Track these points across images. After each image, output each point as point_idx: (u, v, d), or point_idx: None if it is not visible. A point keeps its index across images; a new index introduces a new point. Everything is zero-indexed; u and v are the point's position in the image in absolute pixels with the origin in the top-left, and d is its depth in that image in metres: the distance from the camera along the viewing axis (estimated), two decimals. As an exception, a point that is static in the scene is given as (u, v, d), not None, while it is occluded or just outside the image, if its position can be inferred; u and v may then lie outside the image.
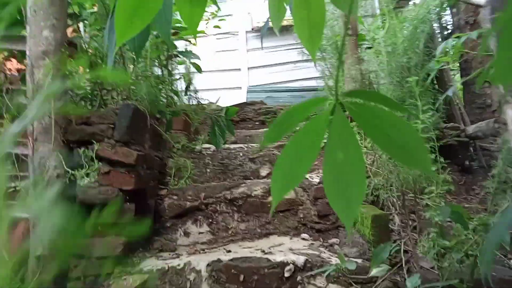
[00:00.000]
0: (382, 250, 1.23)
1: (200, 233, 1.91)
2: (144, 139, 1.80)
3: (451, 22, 3.33)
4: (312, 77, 5.62)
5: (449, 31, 3.34)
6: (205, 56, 5.77)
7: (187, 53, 2.26)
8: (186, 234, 1.90)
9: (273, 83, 5.92)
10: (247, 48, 6.10)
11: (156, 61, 2.49)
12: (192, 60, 2.42)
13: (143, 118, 1.76)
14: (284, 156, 0.56)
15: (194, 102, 2.98)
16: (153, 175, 1.92)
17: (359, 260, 1.53)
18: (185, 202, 1.93)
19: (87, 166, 1.42)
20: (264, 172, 2.45)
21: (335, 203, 0.56)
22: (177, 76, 2.92)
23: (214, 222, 1.95)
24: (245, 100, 5.18)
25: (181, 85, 3.04)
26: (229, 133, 2.29)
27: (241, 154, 2.49)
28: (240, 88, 5.84)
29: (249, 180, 2.36)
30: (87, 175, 1.40)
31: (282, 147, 2.68)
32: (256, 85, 5.72)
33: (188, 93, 2.99)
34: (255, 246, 1.79)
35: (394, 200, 1.64)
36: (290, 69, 5.99)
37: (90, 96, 2.12)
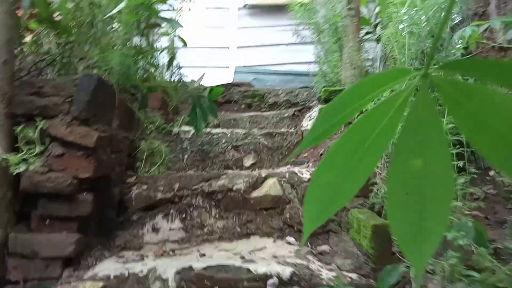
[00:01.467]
0: (390, 273, 1.02)
1: (171, 229, 1.67)
2: (110, 117, 1.52)
3: (458, 13, 3.11)
4: (304, 62, 5.35)
5: (456, 21, 3.13)
6: (192, 31, 5.42)
7: (169, 20, 1.97)
8: (155, 230, 1.65)
9: (262, 64, 5.63)
10: (237, 25, 5.77)
11: (135, 28, 2.18)
12: (175, 27, 2.12)
13: (110, 92, 1.47)
14: (329, 161, 0.35)
15: (177, 79, 2.69)
16: (120, 160, 1.65)
17: (354, 275, 1.32)
18: (155, 193, 1.67)
19: (23, 150, 1.14)
20: (248, 162, 2.21)
21: (402, 234, 0.34)
22: (160, 49, 2.62)
23: (188, 218, 1.71)
24: (231, 81, 4.90)
25: (164, 59, 2.74)
26: (212, 116, 2.03)
27: (223, 140, 2.24)
28: (228, 67, 5.53)
29: (230, 171, 2.11)
30: (24, 160, 1.12)
31: (270, 135, 2.45)
32: (244, 66, 5.43)
33: (171, 68, 2.69)
34: (233, 249, 1.56)
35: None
36: (281, 51, 5.70)
37: (56, 63, 1.82)
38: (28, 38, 2.00)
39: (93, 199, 1.34)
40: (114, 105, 1.51)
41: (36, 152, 1.13)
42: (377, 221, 1.39)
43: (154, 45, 2.57)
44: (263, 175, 1.83)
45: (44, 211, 1.27)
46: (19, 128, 1.14)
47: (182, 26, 2.03)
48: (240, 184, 1.77)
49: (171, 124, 2.23)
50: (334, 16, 2.88)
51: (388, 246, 1.38)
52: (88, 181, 1.33)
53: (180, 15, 2.72)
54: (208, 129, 2.29)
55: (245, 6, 5.72)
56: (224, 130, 2.30)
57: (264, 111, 3.36)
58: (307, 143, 0.36)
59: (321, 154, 2.24)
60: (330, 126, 0.35)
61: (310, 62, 5.29)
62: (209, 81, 3.55)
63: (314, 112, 2.60)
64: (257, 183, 1.80)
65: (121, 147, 1.66)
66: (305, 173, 1.89)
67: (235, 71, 5.28)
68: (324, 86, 2.82)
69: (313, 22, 3.38)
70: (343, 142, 0.34)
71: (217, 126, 2.78)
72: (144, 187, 1.70)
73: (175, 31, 2.62)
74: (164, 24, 2.51)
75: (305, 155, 2.31)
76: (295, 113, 2.98)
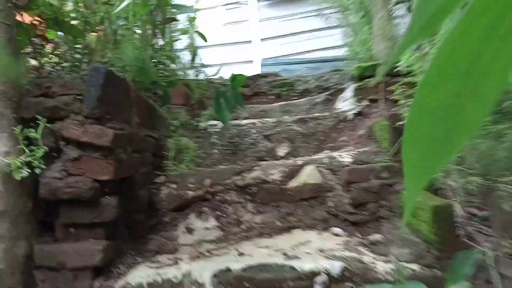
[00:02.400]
0: (462, 261, 0.83)
1: (206, 228, 1.55)
2: (128, 114, 1.42)
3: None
4: (331, 47, 5.14)
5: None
6: (213, 28, 5.33)
7: (182, 7, 1.84)
8: (189, 230, 1.54)
9: (288, 54, 5.47)
10: (259, 18, 5.63)
11: (148, 22, 2.08)
12: (187, 13, 2.01)
13: (123, 88, 1.37)
14: (441, 71, 0.19)
15: (201, 77, 2.59)
16: (144, 160, 1.55)
17: (416, 266, 1.14)
18: (186, 192, 1.56)
19: (28, 151, 1.04)
20: (281, 151, 2.05)
21: None
22: (181, 46, 2.52)
23: (223, 215, 1.58)
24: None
25: (186, 57, 2.65)
26: (237, 105, 1.89)
27: (254, 131, 2.10)
28: (252, 61, 5.41)
29: (264, 162, 1.96)
30: (28, 164, 1.03)
31: (303, 121, 2.28)
32: (270, 58, 5.28)
33: (194, 65, 2.60)
34: (274, 246, 1.41)
35: (458, 185, 1.23)
36: (306, 39, 5.51)
37: (77, 69, 1.76)
38: (49, 48, 1.96)
39: (118, 202, 1.24)
40: (130, 101, 1.41)
41: (40, 155, 1.03)
42: (437, 201, 1.19)
43: (174, 42, 2.47)
44: (300, 163, 1.68)
45: (67, 219, 1.18)
46: (20, 129, 1.05)
47: (196, 11, 1.91)
48: (275, 175, 1.62)
49: (197, 119, 2.12)
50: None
51: (452, 229, 1.18)
52: (110, 184, 1.23)
53: (197, 9, 2.62)
54: (237, 121, 2.16)
55: (264, -3, 5.57)
56: (254, 120, 2.16)
57: (294, 99, 3.20)
58: (414, 34, 0.21)
59: (360, 136, 2.04)
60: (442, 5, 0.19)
61: (337, 47, 5.06)
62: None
63: (348, 92, 2.40)
64: (293, 172, 1.65)
65: (144, 146, 1.56)
66: (345, 156, 1.71)
67: (261, 65, 5.16)
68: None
69: (337, 2, 3.17)
70: (459, 38, 0.18)
71: (246, 118, 2.66)
72: (174, 186, 1.59)
73: (193, 27, 2.52)
74: (181, 21, 2.43)
75: (344, 138, 2.12)
76: (328, 97, 2.79)
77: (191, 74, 2.58)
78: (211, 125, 2.10)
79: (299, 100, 2.95)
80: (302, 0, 5.38)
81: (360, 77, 2.28)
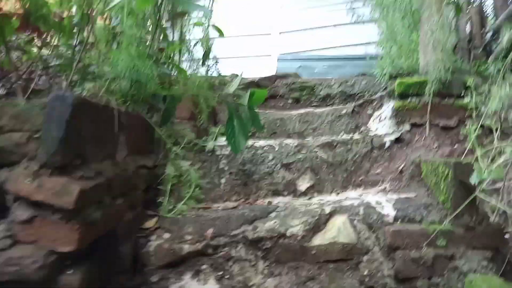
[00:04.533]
0: None
1: (204, 293, 1.22)
2: (111, 148, 1.08)
3: None
4: (357, 44, 4.71)
5: None
6: (229, 17, 4.94)
7: (190, 4, 1.47)
8: (183, 294, 1.21)
9: (308, 50, 5.07)
10: (279, 8, 5.23)
11: (154, 19, 1.72)
12: (200, 12, 1.65)
13: (105, 117, 1.03)
14: None
15: (213, 74, 2.23)
16: (131, 202, 1.22)
17: None
18: (181, 246, 1.22)
19: None
20: (303, 185, 1.69)
21: None
22: (192, 42, 2.17)
23: (227, 276, 1.24)
24: (275, 70, 4.43)
25: (198, 54, 2.30)
26: (255, 128, 1.54)
27: (270, 157, 1.74)
28: (270, 55, 5.02)
29: (281, 199, 1.62)
30: None
31: (329, 146, 1.91)
32: (288, 53, 4.89)
33: (206, 63, 2.24)
34: (291, 331, 1.08)
35: None
36: (329, 33, 5.09)
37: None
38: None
39: (83, 278, 0.91)
40: (114, 132, 1.06)
41: None
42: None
43: (186, 37, 2.11)
44: (327, 211, 1.32)
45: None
46: None
47: (211, 12, 1.55)
48: (296, 227, 1.28)
49: (204, 138, 1.77)
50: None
51: None
52: (74, 252, 0.90)
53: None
54: (250, 142, 1.81)
55: (286, -15, 5.15)
56: (271, 142, 1.80)
57: (315, 107, 2.83)
58: None
59: (400, 171, 1.67)
60: None
61: (364, 44, 4.62)
62: (250, 72, 3.06)
63: (384, 112, 2.02)
64: (319, 223, 1.30)
65: (133, 183, 1.23)
66: (385, 205, 1.35)
67: (278, 59, 4.80)
68: (395, 76, 2.22)
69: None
70: None
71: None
72: (167, 236, 1.25)
73: (209, 20, 2.15)
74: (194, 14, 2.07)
75: (378, 171, 1.76)
76: (355, 108, 2.41)
77: (203, 71, 2.21)
78: (220, 146, 1.75)
79: (321, 109, 2.57)
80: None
81: (403, 95, 1.89)
